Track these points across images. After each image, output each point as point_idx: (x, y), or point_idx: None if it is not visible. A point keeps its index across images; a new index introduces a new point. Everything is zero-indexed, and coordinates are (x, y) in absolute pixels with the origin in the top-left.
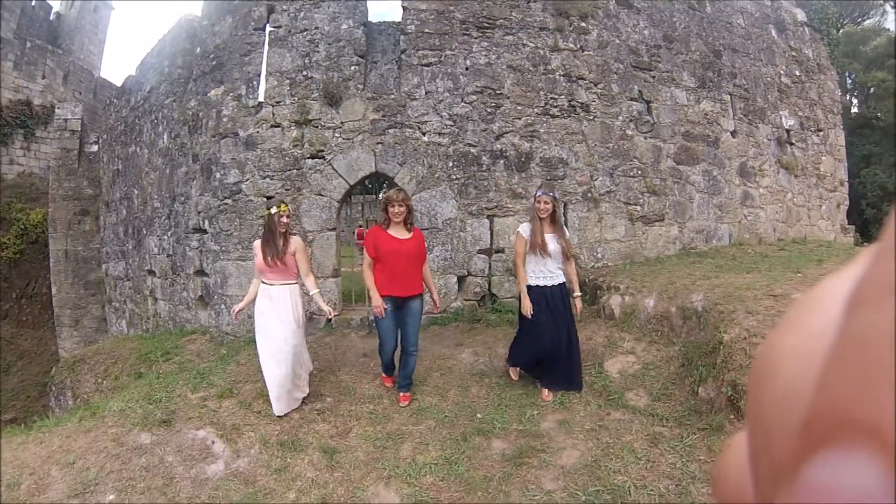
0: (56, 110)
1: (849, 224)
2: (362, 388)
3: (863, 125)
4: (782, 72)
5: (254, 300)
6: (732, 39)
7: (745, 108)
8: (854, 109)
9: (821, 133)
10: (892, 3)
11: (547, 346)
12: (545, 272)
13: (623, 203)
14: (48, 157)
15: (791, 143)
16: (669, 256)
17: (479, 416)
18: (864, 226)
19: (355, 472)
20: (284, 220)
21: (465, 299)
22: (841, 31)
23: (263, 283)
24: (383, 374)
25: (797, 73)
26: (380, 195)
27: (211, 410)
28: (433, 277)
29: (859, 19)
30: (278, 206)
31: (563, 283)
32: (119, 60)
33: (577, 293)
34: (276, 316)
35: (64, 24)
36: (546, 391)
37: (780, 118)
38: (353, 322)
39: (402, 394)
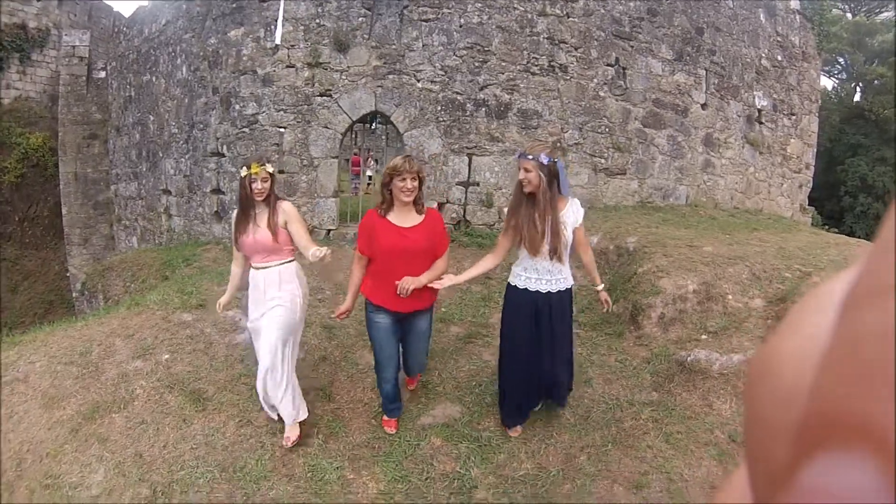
0: (64, 37)
1: (812, 206)
2: None
3: (857, 115)
4: (763, 55)
5: (241, 289)
6: (718, 18)
7: (719, 84)
8: (857, 98)
9: (793, 117)
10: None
11: (527, 376)
12: (539, 270)
13: (589, 155)
14: (44, 80)
15: (761, 122)
16: (626, 207)
17: (443, 309)
18: (840, 213)
19: (347, 341)
20: (259, 185)
21: (444, 223)
22: (855, 18)
23: (252, 267)
24: (384, 415)
25: (779, 57)
26: (374, 126)
27: (235, 298)
28: None
29: (878, 10)
30: (249, 168)
31: (569, 288)
32: None
33: (601, 285)
34: (268, 305)
35: None
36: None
37: (754, 98)
38: (347, 236)
39: (408, 378)
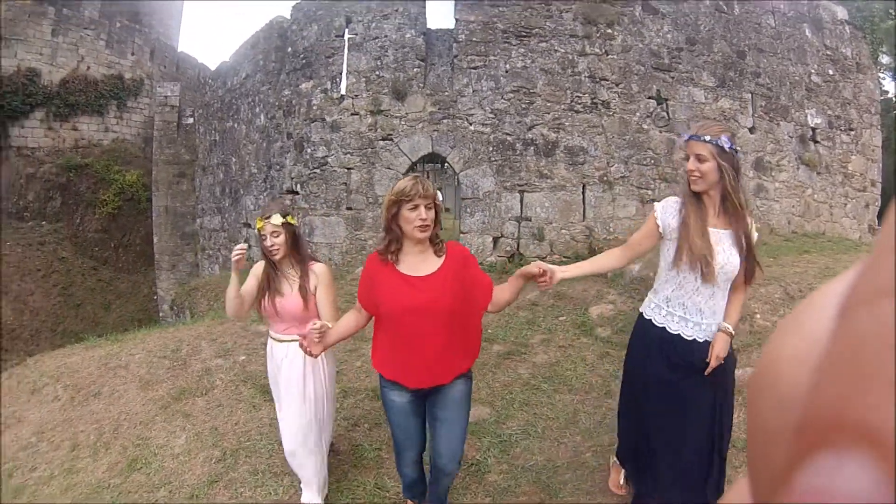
0: (157, 88)
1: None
2: None
3: None
4: (813, 70)
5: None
6: (760, 40)
7: (766, 106)
8: None
9: (852, 132)
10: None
11: (653, 440)
12: (690, 310)
13: (635, 187)
14: (138, 124)
15: (816, 141)
16: None
17: (489, 330)
18: None
19: None
20: (269, 241)
21: (499, 256)
22: None
23: (271, 336)
24: (406, 499)
25: (830, 72)
26: (445, 166)
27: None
28: (474, 237)
29: None
30: (255, 221)
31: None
32: (192, 34)
33: (728, 326)
34: (286, 387)
35: (144, 2)
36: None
37: (806, 116)
38: None
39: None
